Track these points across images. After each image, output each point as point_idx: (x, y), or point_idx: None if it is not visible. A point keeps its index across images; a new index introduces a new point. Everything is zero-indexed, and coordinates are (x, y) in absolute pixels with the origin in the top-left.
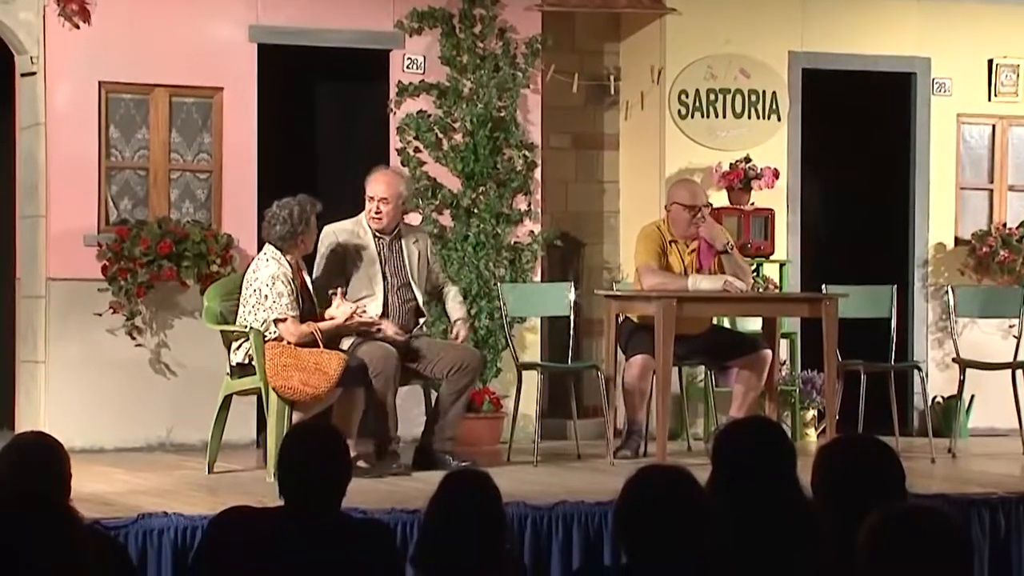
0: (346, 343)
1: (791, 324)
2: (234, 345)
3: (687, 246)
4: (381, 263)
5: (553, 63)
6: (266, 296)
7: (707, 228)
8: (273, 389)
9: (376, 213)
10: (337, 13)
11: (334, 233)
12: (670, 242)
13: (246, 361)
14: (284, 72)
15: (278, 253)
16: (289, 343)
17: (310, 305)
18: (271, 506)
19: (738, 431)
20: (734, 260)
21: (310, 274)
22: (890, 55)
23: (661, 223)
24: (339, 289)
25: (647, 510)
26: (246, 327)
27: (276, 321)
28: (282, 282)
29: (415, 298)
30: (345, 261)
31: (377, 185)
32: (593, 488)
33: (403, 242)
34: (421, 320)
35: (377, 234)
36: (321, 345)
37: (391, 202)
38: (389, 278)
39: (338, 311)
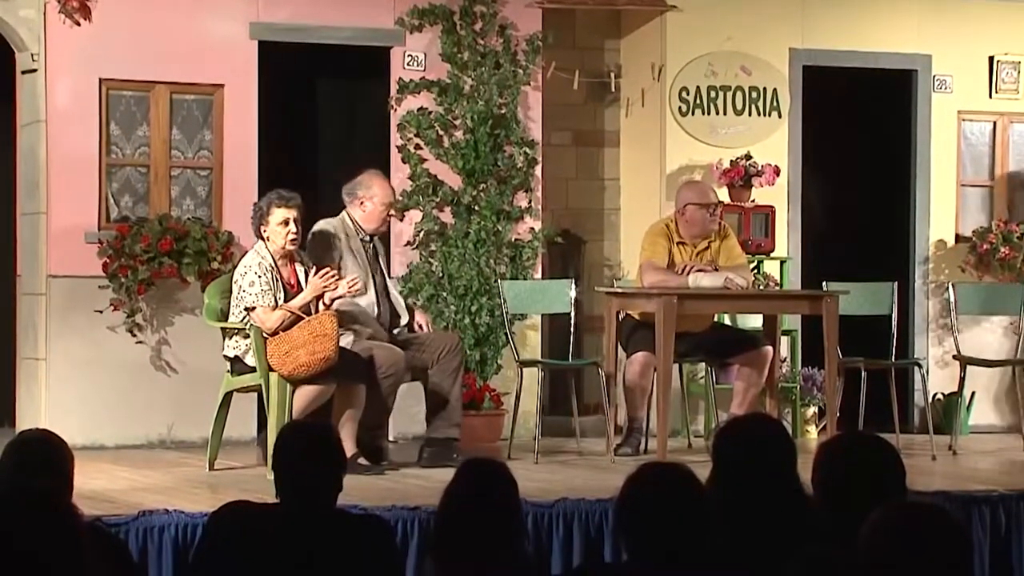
0: (358, 346)
1: (792, 321)
2: (225, 338)
3: (694, 247)
4: (370, 264)
5: (554, 60)
6: (241, 287)
7: (700, 278)
8: (287, 377)
9: (387, 219)
10: (338, 10)
11: (330, 230)
12: (678, 243)
13: (232, 355)
14: (285, 69)
15: (260, 244)
16: (272, 331)
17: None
18: (270, 502)
19: (739, 428)
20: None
21: (306, 267)
22: (891, 52)
23: (670, 222)
24: (322, 269)
25: (648, 507)
26: (238, 323)
27: (247, 310)
28: (254, 272)
29: (393, 298)
30: (344, 260)
31: (388, 192)
32: (594, 485)
33: (376, 244)
34: (403, 320)
35: (364, 237)
36: (305, 318)
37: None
38: (376, 279)
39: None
